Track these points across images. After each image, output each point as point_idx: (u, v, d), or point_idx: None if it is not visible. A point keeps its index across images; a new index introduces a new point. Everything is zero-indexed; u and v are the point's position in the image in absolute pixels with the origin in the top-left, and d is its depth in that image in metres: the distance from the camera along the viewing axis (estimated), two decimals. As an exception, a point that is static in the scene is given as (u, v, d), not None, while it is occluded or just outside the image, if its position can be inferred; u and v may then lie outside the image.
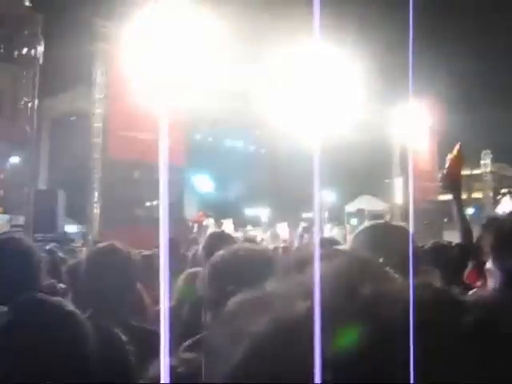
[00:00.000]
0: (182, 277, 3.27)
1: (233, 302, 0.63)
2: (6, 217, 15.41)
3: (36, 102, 17.10)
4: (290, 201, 22.58)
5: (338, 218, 22.66)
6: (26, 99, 17.15)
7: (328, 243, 3.40)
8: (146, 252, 4.45)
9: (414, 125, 17.81)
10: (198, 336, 1.83)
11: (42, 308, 1.60)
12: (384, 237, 1.77)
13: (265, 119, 20.51)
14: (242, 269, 1.66)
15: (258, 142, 24.76)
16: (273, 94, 18.04)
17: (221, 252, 1.78)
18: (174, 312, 2.66)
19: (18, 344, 1.52)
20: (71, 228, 14.10)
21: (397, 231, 1.84)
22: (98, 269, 2.58)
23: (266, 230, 22.27)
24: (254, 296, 0.64)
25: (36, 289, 2.32)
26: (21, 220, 15.07)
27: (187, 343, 1.73)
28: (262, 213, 24.73)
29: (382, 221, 2.41)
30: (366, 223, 2.00)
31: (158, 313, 0.53)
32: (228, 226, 18.47)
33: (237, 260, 1.71)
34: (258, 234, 19.76)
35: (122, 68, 15.93)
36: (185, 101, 15.96)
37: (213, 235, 3.46)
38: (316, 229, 0.64)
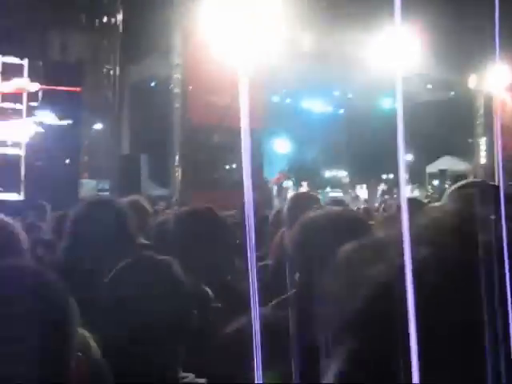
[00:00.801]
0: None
1: (345, 251, 0.64)
2: (93, 182, 15.94)
3: (117, 69, 17.44)
4: (369, 162, 22.29)
5: (418, 179, 22.23)
6: (107, 67, 17.52)
7: (415, 203, 3.35)
8: (228, 213, 4.53)
9: (498, 81, 17.12)
10: (284, 296, 1.87)
11: (152, 266, 1.68)
12: (483, 194, 1.75)
13: (343, 79, 20.22)
14: (334, 229, 1.67)
15: (337, 102, 24.46)
16: (350, 53, 17.74)
17: (312, 212, 1.79)
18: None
19: (128, 299, 1.61)
20: (154, 191, 14.43)
21: (495, 190, 1.81)
22: (193, 228, 2.64)
23: (345, 191, 22.13)
24: (366, 243, 0.65)
25: (131, 248, 2.42)
26: (106, 185, 15.55)
27: (275, 302, 1.78)
28: (341, 174, 24.56)
29: (479, 179, 2.36)
30: (463, 181, 1.95)
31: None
32: (304, 188, 18.47)
33: (329, 220, 1.72)
34: (338, 195, 19.67)
35: (201, 33, 15.99)
36: (263, 63, 15.90)
37: (298, 196, 3.46)
38: (402, 188, 0.65)
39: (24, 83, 14.53)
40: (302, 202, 3.21)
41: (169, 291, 1.64)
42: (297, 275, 1.74)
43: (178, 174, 15.72)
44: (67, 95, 14.93)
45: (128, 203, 4.39)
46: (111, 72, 17.28)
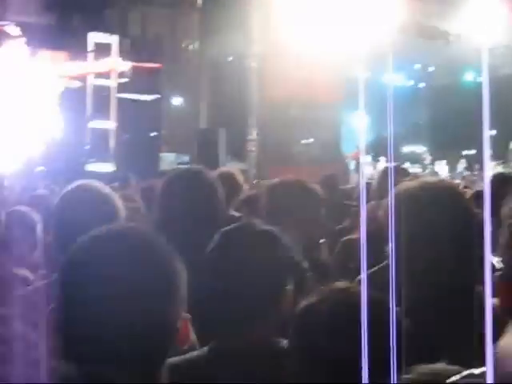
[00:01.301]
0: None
1: None
2: (172, 156, 16.24)
3: (195, 44, 17.59)
4: (450, 137, 21.70)
5: (501, 156, 21.48)
6: (186, 42, 17.71)
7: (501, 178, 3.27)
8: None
9: None
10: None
11: (252, 233, 1.72)
12: None
13: (424, 53, 19.69)
14: (430, 199, 1.66)
15: (417, 76, 23.86)
16: (432, 25, 17.24)
17: (407, 183, 1.79)
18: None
19: (229, 266, 1.65)
20: (231, 165, 14.56)
21: None
22: (282, 200, 2.66)
23: (424, 167, 21.66)
24: None
25: (222, 219, 2.45)
26: (185, 158, 15.81)
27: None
28: (420, 150, 24.04)
29: None
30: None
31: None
32: (383, 164, 18.20)
33: (424, 190, 1.72)
34: (417, 171, 19.30)
35: (279, 7, 15.89)
36: (340, 36, 15.68)
37: (388, 169, 3.43)
38: (486, 164, 0.65)
39: (116, 62, 14.90)
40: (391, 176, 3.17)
41: (267, 259, 1.67)
42: (388, 247, 1.74)
43: (255, 148, 15.79)
44: (148, 71, 15.22)
45: (219, 174, 4.45)
46: (190, 47, 17.45)
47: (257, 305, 1.65)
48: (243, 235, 1.73)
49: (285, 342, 1.68)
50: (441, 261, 1.62)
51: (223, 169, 5.22)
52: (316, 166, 14.16)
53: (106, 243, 1.20)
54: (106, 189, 2.26)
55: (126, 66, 14.83)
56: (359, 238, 2.89)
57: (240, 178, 4.59)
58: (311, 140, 16.76)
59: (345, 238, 3.71)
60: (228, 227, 1.82)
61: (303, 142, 16.93)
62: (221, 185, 2.70)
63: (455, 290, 1.57)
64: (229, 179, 4.30)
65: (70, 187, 2.28)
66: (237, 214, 3.96)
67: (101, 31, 16.13)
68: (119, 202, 2.26)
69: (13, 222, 2.62)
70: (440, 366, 1.01)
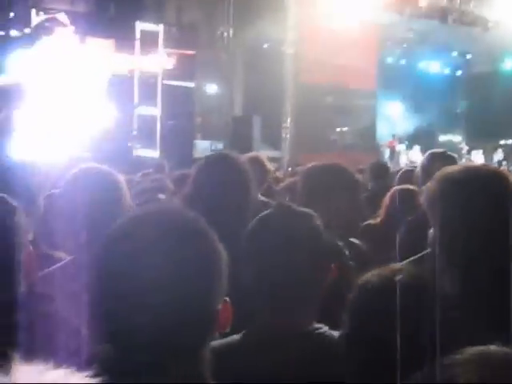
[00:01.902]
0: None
1: None
2: (206, 143, 16.29)
3: (230, 31, 17.57)
4: (487, 126, 21.35)
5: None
6: (221, 29, 17.68)
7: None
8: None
9: None
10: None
11: (294, 217, 1.72)
12: None
13: (462, 39, 19.37)
14: (473, 184, 1.64)
15: (455, 63, 23.51)
16: (470, 11, 16.94)
17: (450, 167, 1.76)
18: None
19: (268, 251, 1.65)
20: (266, 153, 14.56)
21: None
22: (323, 182, 2.66)
23: (460, 156, 21.40)
24: None
25: (251, 204, 2.45)
26: (220, 145, 15.84)
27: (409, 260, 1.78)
28: (456, 139, 23.73)
29: None
30: None
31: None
32: (416, 153, 18.02)
33: (468, 175, 1.69)
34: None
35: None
36: (377, 23, 15.51)
37: (434, 155, 3.40)
38: None
39: (162, 60, 15.07)
40: (438, 161, 3.14)
41: (308, 243, 1.66)
42: (430, 232, 1.71)
43: (290, 135, 15.75)
44: (184, 58, 15.29)
45: (249, 159, 4.45)
46: (225, 34, 17.43)
47: (298, 291, 1.63)
48: (283, 219, 1.71)
49: (325, 329, 1.67)
50: (489, 245, 1.59)
51: (251, 154, 5.23)
52: (350, 154, 14.09)
53: (148, 225, 1.18)
54: (112, 173, 2.26)
55: (171, 63, 15.00)
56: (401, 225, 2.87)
57: (268, 163, 4.59)
58: (346, 127, 16.67)
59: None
60: (266, 212, 1.80)
61: (338, 129, 16.84)
62: (251, 169, 2.70)
63: (504, 275, 1.55)
64: (256, 164, 4.30)
65: (73, 171, 2.27)
66: (265, 199, 3.96)
67: (138, 19, 16.24)
68: (124, 186, 2.26)
69: (50, 205, 2.64)
70: (492, 347, 0.99)
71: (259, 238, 1.70)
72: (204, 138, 16.87)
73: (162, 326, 1.10)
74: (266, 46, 19.03)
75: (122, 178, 2.16)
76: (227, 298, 1.20)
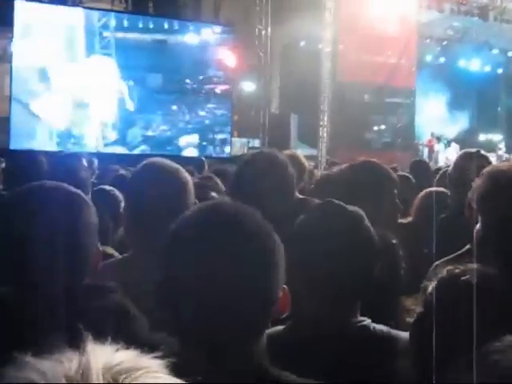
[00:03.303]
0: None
1: None
2: (244, 140, 16.33)
3: (268, 29, 17.56)
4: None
5: None
6: (259, 27, 17.69)
7: None
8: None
9: None
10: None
11: (344, 214, 1.71)
12: None
13: (503, 37, 19.06)
14: None
15: (495, 61, 23.13)
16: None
17: (498, 166, 1.74)
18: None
19: (317, 246, 1.64)
20: (302, 151, 14.53)
21: None
22: (361, 179, 2.65)
23: (499, 157, 21.05)
24: None
25: (292, 200, 2.45)
26: (256, 143, 15.88)
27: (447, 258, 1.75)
28: (497, 138, 23.36)
29: None
30: None
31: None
32: (454, 152, 17.79)
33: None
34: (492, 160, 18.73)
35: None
36: (416, 20, 15.35)
37: (467, 154, 3.36)
38: None
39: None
40: (470, 160, 3.11)
41: (358, 241, 1.66)
42: (477, 228, 1.69)
43: (326, 133, 15.70)
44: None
45: (287, 157, 4.44)
46: (262, 32, 17.43)
47: (347, 286, 1.63)
48: (330, 215, 1.70)
49: (369, 321, 1.67)
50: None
51: (288, 151, 5.24)
52: (388, 153, 13.97)
53: (212, 218, 1.23)
54: (174, 165, 2.26)
55: (233, 61, 15.26)
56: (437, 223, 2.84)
57: (304, 161, 4.60)
58: (383, 126, 16.53)
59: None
60: (312, 207, 1.81)
61: (375, 127, 16.71)
62: (291, 166, 2.70)
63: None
64: (293, 162, 4.30)
65: (140, 165, 2.29)
66: (302, 197, 3.95)
67: (176, 18, 16.38)
68: (188, 178, 2.26)
69: (98, 200, 2.65)
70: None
71: (311, 231, 1.69)
72: (241, 135, 16.90)
73: (229, 313, 1.15)
74: (303, 43, 18.98)
75: (186, 174, 2.16)
76: (285, 286, 1.25)
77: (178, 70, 15.09)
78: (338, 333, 1.61)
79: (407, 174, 4.96)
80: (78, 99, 14.19)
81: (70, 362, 0.63)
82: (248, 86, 18.79)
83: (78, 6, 15.65)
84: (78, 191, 1.54)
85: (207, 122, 15.24)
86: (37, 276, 1.33)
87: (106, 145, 14.50)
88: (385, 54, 15.88)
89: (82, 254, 1.46)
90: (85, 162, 5.14)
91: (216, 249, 1.17)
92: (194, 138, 15.17)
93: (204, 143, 15.13)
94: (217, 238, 1.18)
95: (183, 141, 15.13)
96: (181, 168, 2.18)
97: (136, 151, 14.63)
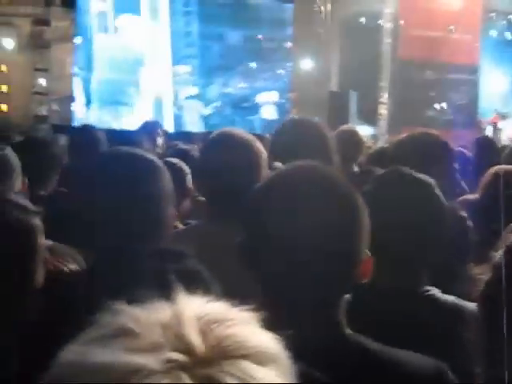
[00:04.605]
0: None
1: None
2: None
3: (328, 5, 17.37)
4: None
5: None
6: (318, 3, 17.52)
7: None
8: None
9: None
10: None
11: (414, 181, 1.71)
12: None
13: None
14: None
15: None
16: None
17: None
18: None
19: (386, 213, 1.64)
20: (361, 128, 14.39)
21: None
22: (418, 150, 2.62)
23: None
24: None
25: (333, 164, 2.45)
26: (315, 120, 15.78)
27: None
28: None
29: None
30: None
31: None
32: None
33: None
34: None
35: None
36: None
37: None
38: None
39: None
40: None
41: (429, 209, 1.65)
42: None
43: (387, 111, 15.47)
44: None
45: (340, 131, 4.43)
46: (321, 8, 17.25)
47: (415, 255, 1.63)
48: (401, 181, 1.69)
49: (437, 291, 1.66)
50: None
51: (345, 126, 5.22)
52: (450, 131, 13.68)
53: (300, 178, 1.25)
54: (247, 135, 2.27)
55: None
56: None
57: (361, 135, 4.57)
58: (445, 103, 16.16)
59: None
60: (380, 175, 1.81)
61: (437, 105, 16.36)
62: (331, 135, 2.71)
63: None
64: (350, 136, 4.28)
65: (212, 136, 2.32)
66: (359, 170, 3.92)
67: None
68: (261, 149, 2.27)
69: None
70: None
71: (381, 198, 1.68)
72: (300, 113, 16.81)
73: (316, 272, 1.18)
74: (362, 19, 18.69)
75: (260, 145, 2.19)
76: (367, 250, 1.26)
77: (257, 28, 15.38)
78: (406, 302, 1.62)
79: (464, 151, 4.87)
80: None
81: (163, 310, 0.64)
82: (307, 64, 18.65)
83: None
84: (155, 157, 1.58)
85: (285, 80, 15.53)
86: (119, 239, 1.37)
87: (186, 98, 14.96)
88: (447, 29, 15.48)
89: (161, 217, 1.50)
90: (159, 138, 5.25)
91: (307, 205, 1.19)
92: (273, 96, 15.40)
93: (283, 101, 15.38)
94: (307, 195, 1.20)
95: (261, 98, 15.39)
96: (254, 139, 2.19)
97: (212, 107, 15.07)
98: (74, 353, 0.62)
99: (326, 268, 1.18)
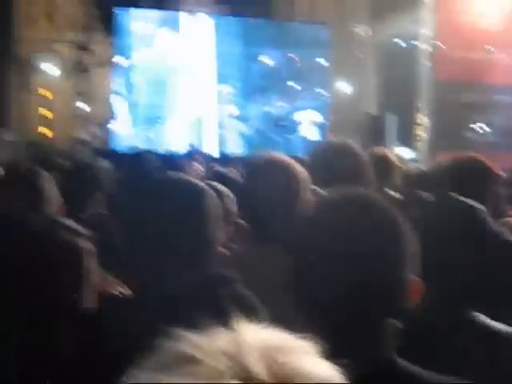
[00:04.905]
0: None
1: None
2: (339, 140, 16.25)
3: (365, 27, 17.39)
4: None
5: None
6: (355, 26, 17.55)
7: None
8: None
9: None
10: None
11: (461, 207, 1.69)
12: None
13: None
14: None
15: None
16: None
17: None
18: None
19: (433, 235, 1.63)
20: (400, 150, 14.28)
21: None
22: (459, 176, 2.60)
23: None
24: None
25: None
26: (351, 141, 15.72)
27: None
28: None
29: None
30: None
31: None
32: None
33: None
34: None
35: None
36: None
37: None
38: None
39: None
40: None
41: (478, 235, 1.64)
42: None
43: (425, 133, 15.34)
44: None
45: (371, 154, 4.41)
46: (359, 31, 17.28)
47: (464, 279, 1.62)
48: (451, 207, 1.69)
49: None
50: None
51: (377, 148, 5.20)
52: (491, 153, 13.47)
53: (347, 204, 1.26)
54: (290, 161, 2.29)
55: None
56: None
57: (393, 158, 4.54)
58: (485, 125, 15.97)
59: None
60: (430, 199, 1.81)
61: (477, 127, 16.18)
62: (367, 158, 2.70)
63: None
64: (382, 159, 4.26)
65: (256, 160, 2.34)
66: (392, 193, 3.89)
67: (270, 17, 16.53)
68: (304, 174, 2.28)
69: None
70: None
71: (432, 224, 1.67)
72: (336, 135, 16.78)
73: (365, 294, 1.18)
74: (400, 42, 18.64)
75: (303, 170, 2.20)
76: (415, 275, 1.26)
77: (297, 49, 15.63)
78: (453, 327, 1.60)
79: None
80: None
81: (222, 337, 0.64)
82: (344, 86, 18.66)
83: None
84: (202, 183, 1.60)
85: (324, 100, 15.73)
86: (168, 263, 1.39)
87: (227, 118, 15.24)
88: (486, 49, 15.34)
89: (209, 242, 1.52)
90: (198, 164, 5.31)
91: (354, 232, 1.20)
92: (312, 116, 15.54)
93: (323, 120, 15.55)
94: (355, 222, 1.22)
95: (300, 117, 15.55)
96: (295, 163, 2.21)
97: (253, 127, 15.31)
98: (139, 379, 0.62)
99: (373, 293, 1.18)
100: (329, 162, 2.56)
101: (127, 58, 15.04)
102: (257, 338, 0.64)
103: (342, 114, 17.27)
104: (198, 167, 5.38)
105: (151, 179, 1.61)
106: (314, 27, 16.57)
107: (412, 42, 16.53)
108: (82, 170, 3.29)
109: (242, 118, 15.45)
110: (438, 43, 15.74)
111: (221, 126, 15.36)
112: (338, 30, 17.21)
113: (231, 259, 2.17)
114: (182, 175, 1.63)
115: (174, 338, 0.65)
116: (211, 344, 0.63)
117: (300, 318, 1.23)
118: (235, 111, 15.40)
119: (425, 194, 2.38)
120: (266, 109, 15.50)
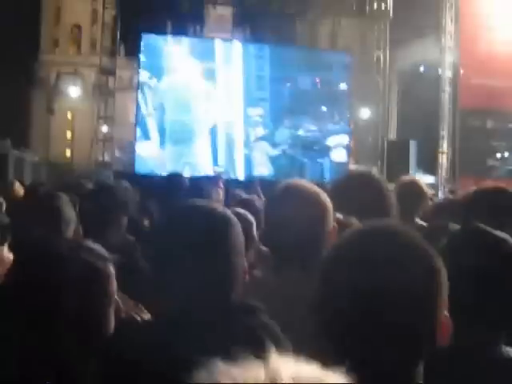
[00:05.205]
0: None
1: None
2: (360, 167, 16.20)
3: (386, 54, 17.44)
4: None
5: None
6: (376, 52, 17.60)
7: None
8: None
9: None
10: None
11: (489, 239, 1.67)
12: None
13: None
14: None
15: None
16: None
17: None
18: None
19: (463, 267, 1.60)
20: (421, 177, 14.23)
21: None
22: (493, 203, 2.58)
23: None
24: None
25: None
26: (374, 170, 15.69)
27: None
28: None
29: None
30: None
31: None
32: None
33: None
34: None
35: (472, 13, 15.30)
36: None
37: None
38: None
39: None
40: None
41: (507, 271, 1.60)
42: None
43: (447, 160, 15.27)
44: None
45: (405, 182, 4.37)
46: (380, 57, 17.32)
47: (498, 312, 1.58)
48: (480, 239, 1.65)
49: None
50: None
51: (408, 177, 5.14)
52: (513, 180, 13.39)
53: (377, 238, 1.22)
54: (314, 188, 2.27)
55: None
56: None
57: (424, 186, 4.48)
58: (508, 153, 15.87)
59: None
60: (458, 231, 1.77)
61: (499, 154, 16.09)
62: (388, 188, 2.68)
63: None
64: (412, 187, 4.21)
65: (279, 187, 2.33)
66: (422, 223, 3.84)
67: (288, 43, 16.69)
68: (326, 201, 2.26)
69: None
70: None
71: (461, 257, 1.64)
72: (357, 162, 16.78)
73: (395, 335, 1.14)
74: (422, 68, 18.68)
75: (327, 198, 2.18)
76: (446, 312, 1.22)
77: (325, 72, 15.77)
78: (485, 363, 1.56)
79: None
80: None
81: (257, 369, 0.63)
82: (365, 113, 18.68)
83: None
84: (228, 211, 1.59)
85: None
86: (193, 292, 1.38)
87: (256, 139, 15.35)
88: (509, 77, 15.30)
89: (234, 270, 1.51)
90: (221, 185, 5.33)
91: (385, 266, 1.16)
92: (342, 139, 15.56)
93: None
94: (386, 256, 1.18)
95: (331, 141, 15.59)
96: (320, 191, 2.19)
97: (280, 149, 15.35)
98: None
99: (405, 331, 1.15)
100: (351, 193, 2.54)
101: (155, 80, 15.20)
102: (291, 370, 0.63)
103: (362, 140, 17.29)
104: (222, 192, 5.39)
105: (177, 206, 1.60)
106: (337, 53, 16.68)
107: (434, 68, 16.55)
108: (105, 192, 3.29)
109: (270, 140, 15.56)
110: (461, 70, 15.73)
111: (249, 147, 15.46)
112: (360, 56, 17.28)
113: (252, 285, 2.16)
114: (207, 202, 1.62)
115: (208, 370, 0.64)
116: (246, 376, 0.63)
117: (323, 348, 1.20)
118: (263, 133, 15.52)
119: (452, 225, 2.35)
120: (297, 132, 15.59)
